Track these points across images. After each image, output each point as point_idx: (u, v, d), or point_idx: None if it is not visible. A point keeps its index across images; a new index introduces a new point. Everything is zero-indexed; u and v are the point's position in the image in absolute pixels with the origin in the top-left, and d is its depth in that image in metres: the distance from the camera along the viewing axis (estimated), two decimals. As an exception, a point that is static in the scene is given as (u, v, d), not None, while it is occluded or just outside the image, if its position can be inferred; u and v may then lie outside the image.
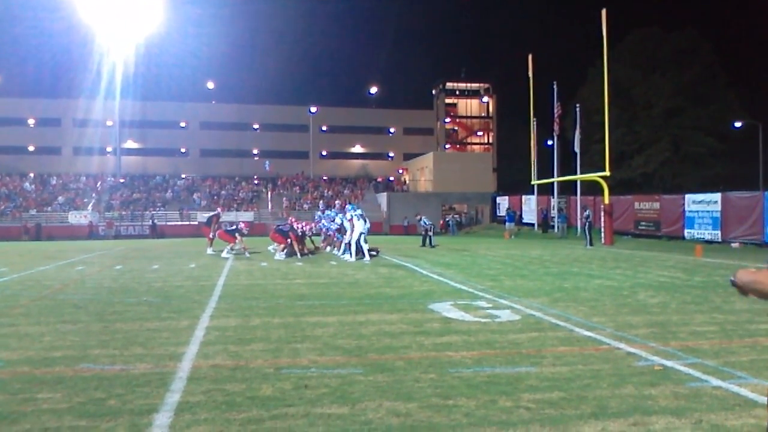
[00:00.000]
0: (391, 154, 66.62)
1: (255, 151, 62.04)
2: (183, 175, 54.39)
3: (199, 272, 14.97)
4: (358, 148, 65.50)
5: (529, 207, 39.60)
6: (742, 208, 23.86)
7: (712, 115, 46.78)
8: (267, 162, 51.18)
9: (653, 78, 47.83)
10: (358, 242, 17.80)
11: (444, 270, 15.09)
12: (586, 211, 26.23)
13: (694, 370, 5.74)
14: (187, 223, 41.04)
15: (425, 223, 24.05)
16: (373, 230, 24.92)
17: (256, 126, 62.88)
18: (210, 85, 61.81)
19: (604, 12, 25.44)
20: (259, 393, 5.13)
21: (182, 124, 61.43)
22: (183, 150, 61.25)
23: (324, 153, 63.86)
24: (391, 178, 58.14)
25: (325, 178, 55.91)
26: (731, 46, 75.60)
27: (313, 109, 56.94)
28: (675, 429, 4.26)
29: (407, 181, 56.58)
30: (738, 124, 44.27)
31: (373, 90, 62.70)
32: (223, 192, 49.70)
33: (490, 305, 9.50)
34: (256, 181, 52.91)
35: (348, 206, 19.73)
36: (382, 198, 46.74)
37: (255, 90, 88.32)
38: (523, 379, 5.44)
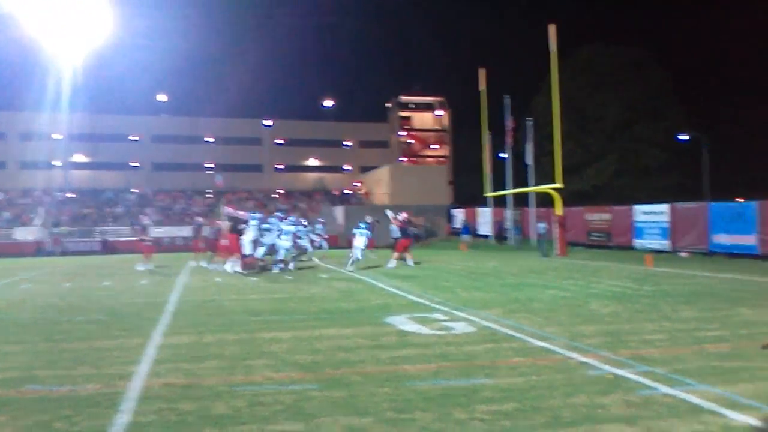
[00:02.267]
0: (348, 167, 66.61)
1: (208, 165, 61.23)
2: (134, 190, 53.29)
3: (152, 289, 14.65)
4: (314, 162, 65.30)
5: (485, 219, 40.03)
6: (688, 218, 24.57)
7: (660, 128, 48.12)
8: (218, 176, 50.44)
9: (603, 92, 49.00)
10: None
11: (401, 283, 15.10)
12: (541, 222, 26.64)
13: (645, 378, 5.87)
14: (139, 239, 40.17)
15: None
16: (330, 244, 24.78)
17: (209, 139, 62.11)
18: (162, 97, 60.89)
19: (551, 28, 26.00)
20: (213, 411, 5.04)
21: (133, 138, 60.26)
22: (134, 164, 60.04)
23: (279, 166, 63.45)
24: (348, 191, 58.09)
25: (280, 191, 55.50)
26: (677, 63, 78.19)
27: (268, 122, 56.64)
28: (626, 437, 4.34)
29: (364, 194, 56.60)
30: (684, 138, 45.70)
31: (329, 103, 62.69)
32: (176, 206, 48.86)
33: (447, 317, 9.54)
34: (209, 195, 52.18)
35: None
36: (339, 211, 46.64)
37: (208, 103, 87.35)
38: (478, 391, 5.47)
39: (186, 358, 6.89)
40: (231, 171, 58.00)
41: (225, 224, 19.99)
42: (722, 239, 22.75)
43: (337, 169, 66.06)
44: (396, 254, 20.79)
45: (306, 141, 64.37)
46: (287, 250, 19.23)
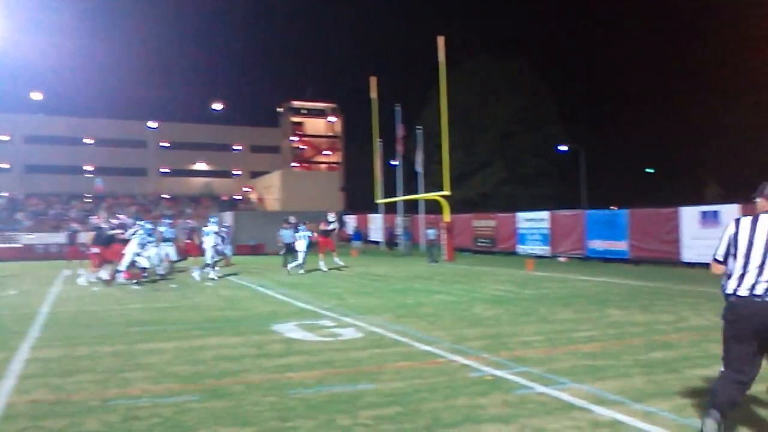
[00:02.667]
0: (238, 172, 65.24)
1: (88, 168, 58.03)
2: (4, 193, 49.60)
3: (21, 300, 13.66)
4: (201, 166, 63.43)
5: (376, 225, 40.45)
6: (567, 225, 25.96)
7: (542, 139, 50.60)
8: (98, 180, 47.87)
9: (489, 103, 50.97)
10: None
11: (289, 290, 14.94)
12: (430, 229, 27.18)
13: (522, 378, 6.10)
14: (9, 245, 37.34)
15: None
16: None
17: (89, 141, 58.91)
18: (36, 96, 57.03)
19: (440, 40, 26.73)
20: (83, 428, 4.75)
21: (4, 138, 56.10)
22: (5, 166, 55.90)
23: (165, 170, 61.17)
24: (238, 197, 56.86)
25: (166, 196, 53.48)
26: (557, 76, 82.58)
27: (153, 125, 54.49)
28: (502, 436, 4.48)
29: (254, 200, 55.64)
30: (563, 148, 48.36)
31: (218, 106, 61.17)
32: (51, 211, 45.94)
33: (334, 324, 9.52)
34: (89, 200, 49.46)
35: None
36: (228, 217, 45.59)
37: (89, 103, 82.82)
38: (362, 396, 5.49)
39: (56, 373, 6.46)
40: (113, 175, 55.26)
41: (89, 234, 18.91)
42: (597, 245, 24.20)
43: (227, 174, 64.53)
44: (321, 254, 20.97)
45: (194, 144, 62.40)
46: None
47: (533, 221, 27.79)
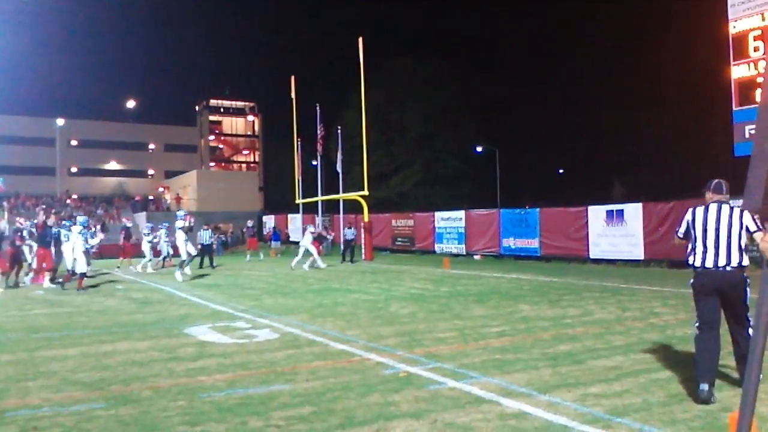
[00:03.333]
0: (151, 172, 63.22)
1: (-10, 167, 54.78)
2: None
3: None
4: (113, 165, 61.09)
5: (295, 226, 40.12)
6: (482, 224, 26.61)
7: (458, 140, 51.68)
8: (0, 179, 45.25)
9: (407, 104, 51.58)
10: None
11: (204, 292, 14.62)
12: (348, 228, 27.21)
13: (434, 373, 6.22)
14: None
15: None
16: (133, 252, 23.36)
17: (-10, 138, 55.61)
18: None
19: (360, 40, 26.85)
20: (-25, 442, 4.49)
21: None
22: None
23: (74, 169, 58.52)
24: (151, 197, 55.08)
25: (74, 196, 51.14)
26: (472, 79, 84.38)
27: (61, 122, 51.94)
28: (414, 431, 4.55)
29: (169, 200, 54.04)
30: (479, 149, 49.59)
31: (131, 104, 59.07)
32: (-53, 213, 43.06)
33: (249, 326, 9.40)
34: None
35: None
36: (141, 218, 44.09)
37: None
38: (275, 398, 5.44)
39: (-54, 384, 6.08)
40: (17, 174, 52.33)
41: None
42: (510, 243, 24.93)
43: (141, 174, 62.45)
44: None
45: (105, 143, 60.03)
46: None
47: (450, 220, 28.34)
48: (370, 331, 8.76)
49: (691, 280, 5.54)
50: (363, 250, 27.32)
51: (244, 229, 32.50)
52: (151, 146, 63.61)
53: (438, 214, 29.39)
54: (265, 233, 40.72)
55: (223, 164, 77.63)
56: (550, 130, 66.81)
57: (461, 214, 27.83)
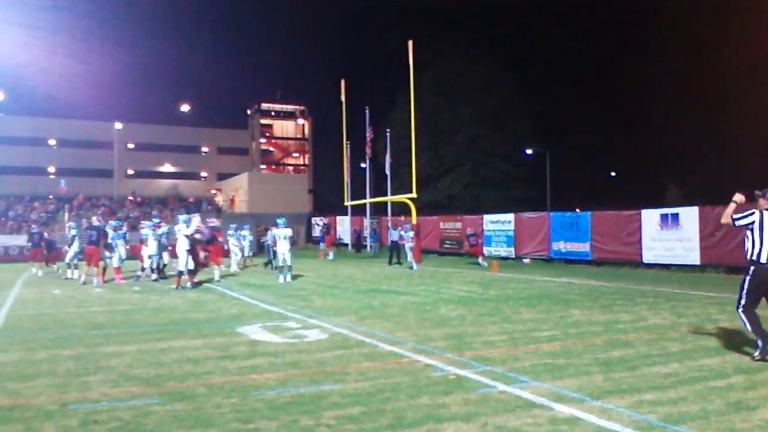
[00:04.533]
0: (204, 174, 64.60)
1: (51, 169, 56.89)
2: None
3: (-23, 303, 13.34)
4: (168, 167, 62.67)
5: (344, 227, 40.44)
6: (531, 227, 26.29)
7: (508, 142, 51.08)
8: (62, 181, 46.97)
9: (457, 106, 51.25)
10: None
11: (255, 292, 14.86)
12: (397, 230, 27.20)
13: (484, 377, 6.18)
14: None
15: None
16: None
17: (53, 142, 57.75)
18: (-2, 95, 55.55)
19: (410, 43, 26.87)
20: (40, 433, 4.67)
21: (-39, 138, 54.68)
22: (-38, 166, 54.50)
23: (130, 172, 60.28)
24: (204, 199, 56.25)
25: (131, 198, 52.63)
26: (525, 80, 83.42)
27: (119, 126, 53.57)
28: (463, 433, 4.54)
29: (221, 202, 55.11)
30: (529, 151, 48.96)
31: (185, 108, 60.45)
32: (11, 213, 44.88)
33: (299, 326, 9.51)
34: (51, 201, 48.43)
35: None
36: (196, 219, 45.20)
37: (54, 103, 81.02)
38: (326, 397, 5.50)
39: (12, 377, 6.34)
40: (77, 176, 54.27)
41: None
42: (561, 246, 24.55)
43: (194, 176, 63.89)
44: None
45: (160, 146, 61.73)
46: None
47: (498, 223, 28.08)
48: (418, 333, 8.76)
49: (751, 271, 6.83)
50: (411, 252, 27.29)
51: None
52: (205, 149, 65.01)
53: (486, 217, 29.15)
54: (314, 236, 41.14)
55: (273, 167, 78.69)
56: (601, 132, 65.49)
57: (510, 216, 27.55)
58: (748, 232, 6.84)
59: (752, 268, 6.82)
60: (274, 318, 10.40)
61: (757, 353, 6.69)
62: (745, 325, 6.89)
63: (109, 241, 17.95)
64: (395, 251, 25.38)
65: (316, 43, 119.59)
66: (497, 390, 5.70)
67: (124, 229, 19.68)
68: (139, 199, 52.20)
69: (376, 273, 20.66)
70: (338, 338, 8.42)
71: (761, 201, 6.83)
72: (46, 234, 23.90)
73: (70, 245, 19.29)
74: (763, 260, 6.71)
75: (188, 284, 15.79)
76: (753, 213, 6.79)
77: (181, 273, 15.80)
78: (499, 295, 13.74)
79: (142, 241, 18.64)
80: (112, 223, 19.42)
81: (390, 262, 25.12)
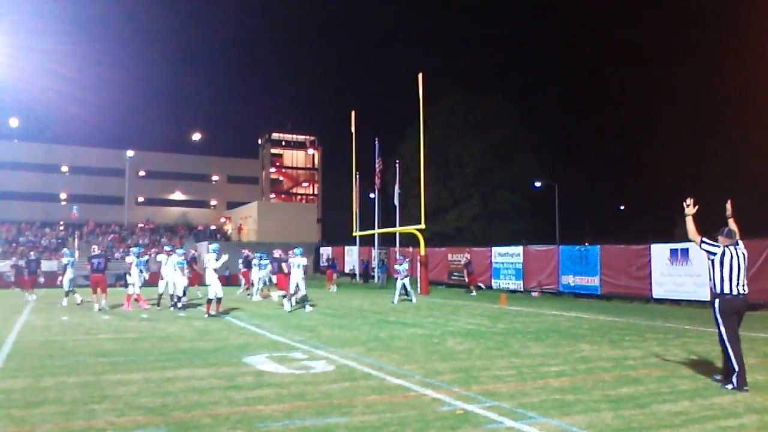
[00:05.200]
0: (214, 203, 64.98)
1: (63, 196, 57.40)
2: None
3: (-14, 328, 13.37)
4: (178, 195, 63.11)
5: (352, 257, 40.42)
6: (540, 259, 26.19)
7: (517, 175, 51.21)
8: (74, 207, 47.36)
9: (466, 139, 51.54)
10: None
11: (262, 321, 14.83)
12: (401, 265, 27.04)
13: (492, 412, 6.12)
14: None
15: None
16: (194, 281, 23.90)
17: (65, 168, 58.36)
18: (13, 122, 56.38)
19: (420, 76, 27.15)
20: (44, 461, 4.66)
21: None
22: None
23: (141, 199, 60.72)
24: (213, 227, 56.50)
25: (141, 225, 52.94)
26: (533, 114, 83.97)
27: (131, 153, 54.19)
28: (470, 470, 4.49)
29: (230, 230, 55.32)
30: (538, 184, 49.02)
31: (197, 137, 61.14)
32: (21, 238, 45.19)
33: (306, 356, 9.47)
34: (62, 228, 48.79)
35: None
36: (202, 248, 45.26)
37: (66, 130, 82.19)
38: (332, 430, 5.46)
39: (19, 404, 6.34)
40: (89, 203, 54.75)
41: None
42: (570, 280, 24.43)
43: (203, 204, 64.27)
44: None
45: (171, 174, 62.27)
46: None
47: (507, 255, 28.00)
48: (426, 366, 8.70)
49: (720, 302, 7.44)
50: (419, 284, 27.22)
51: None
52: (215, 177, 65.49)
53: (495, 249, 29.10)
54: (322, 265, 41.08)
55: (283, 196, 79.10)
56: (610, 165, 65.57)
57: (519, 249, 27.49)
58: (710, 263, 7.61)
59: (717, 300, 7.48)
60: (280, 348, 10.37)
61: (730, 384, 7.25)
62: (729, 355, 7.35)
63: (135, 267, 18.04)
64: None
65: (327, 74, 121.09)
66: (505, 426, 5.64)
67: (146, 256, 19.94)
68: (151, 226, 52.55)
69: (384, 304, 20.58)
70: (345, 370, 8.38)
71: (721, 238, 7.67)
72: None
73: (63, 273, 19.45)
74: (726, 291, 7.38)
75: (206, 314, 15.97)
76: (719, 246, 7.54)
77: (210, 300, 16.11)
78: (508, 328, 13.64)
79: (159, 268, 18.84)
80: (135, 249, 19.53)
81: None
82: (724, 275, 7.42)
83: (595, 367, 8.76)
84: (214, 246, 16.96)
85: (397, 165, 35.17)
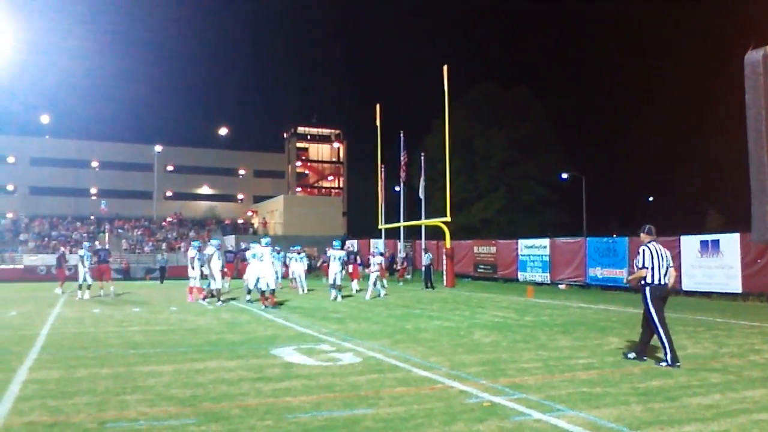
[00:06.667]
0: (241, 197, 65.53)
1: (93, 191, 58.40)
2: (9, 215, 49.79)
3: (20, 321, 13.69)
4: (205, 190, 63.77)
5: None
6: (567, 252, 25.97)
7: (543, 166, 50.81)
8: (103, 202, 48.18)
9: (492, 131, 51.27)
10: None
11: (289, 314, 14.95)
12: (427, 254, 27.16)
13: (519, 404, 6.11)
14: (12, 266, 37.39)
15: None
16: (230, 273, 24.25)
17: (95, 164, 59.33)
18: (45, 118, 57.41)
19: (445, 68, 27.03)
20: (79, 450, 4.76)
21: (10, 160, 56.53)
22: (9, 187, 56.25)
23: (169, 193, 61.48)
24: (240, 221, 57.02)
25: (169, 219, 53.64)
26: (559, 105, 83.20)
27: (159, 148, 54.86)
28: (497, 462, 4.49)
29: (257, 224, 55.76)
30: (565, 176, 48.56)
31: (223, 131, 61.65)
32: (53, 233, 46.08)
33: (333, 348, 9.54)
34: (92, 222, 49.65)
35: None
36: (230, 240, 45.70)
37: (96, 126, 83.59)
38: (359, 421, 5.50)
39: (53, 394, 6.49)
40: (118, 197, 55.65)
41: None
42: (597, 272, 24.19)
43: (230, 198, 64.86)
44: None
45: (198, 168, 62.94)
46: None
47: (534, 248, 27.82)
48: (452, 358, 8.71)
49: (651, 292, 8.35)
50: (444, 277, 27.19)
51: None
52: (241, 172, 66.02)
53: (521, 242, 28.91)
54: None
55: (308, 189, 79.52)
56: (638, 156, 64.66)
57: (546, 242, 27.28)
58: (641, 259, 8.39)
59: (647, 288, 8.34)
60: (308, 341, 10.45)
61: (664, 362, 8.09)
62: (661, 336, 8.26)
63: (197, 261, 18.20)
64: (429, 275, 25.41)
65: (352, 68, 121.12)
66: (533, 418, 5.63)
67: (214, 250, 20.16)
68: (180, 217, 53.17)
69: (410, 297, 20.61)
70: (372, 362, 8.42)
71: (642, 236, 8.60)
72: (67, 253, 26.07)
73: (83, 266, 19.98)
74: (654, 282, 8.31)
75: (263, 306, 16.41)
76: (644, 251, 8.37)
77: (263, 292, 16.58)
78: (535, 321, 13.58)
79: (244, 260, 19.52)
80: (195, 243, 19.44)
81: (426, 286, 25.09)
82: (654, 266, 8.31)
83: (624, 360, 8.69)
84: (266, 240, 17.20)
85: (422, 157, 35.09)
